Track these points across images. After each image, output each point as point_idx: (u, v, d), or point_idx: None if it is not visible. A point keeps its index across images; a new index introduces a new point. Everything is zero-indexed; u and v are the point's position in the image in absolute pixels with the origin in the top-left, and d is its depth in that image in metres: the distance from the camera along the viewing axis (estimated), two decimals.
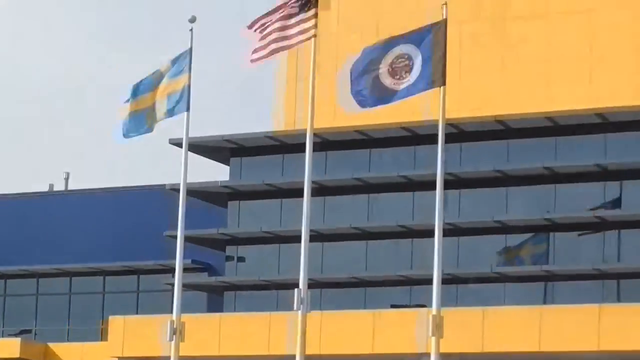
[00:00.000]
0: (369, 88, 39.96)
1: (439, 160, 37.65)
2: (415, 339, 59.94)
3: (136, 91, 45.74)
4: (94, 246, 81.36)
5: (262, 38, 43.02)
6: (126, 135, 46.10)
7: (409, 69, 38.98)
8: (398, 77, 38.96)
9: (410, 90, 38.95)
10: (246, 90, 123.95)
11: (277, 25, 43.05)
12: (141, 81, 45.91)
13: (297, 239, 42.14)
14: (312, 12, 42.05)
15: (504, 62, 70.80)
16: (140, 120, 46.01)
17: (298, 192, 48.37)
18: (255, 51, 43.09)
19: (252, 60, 43.39)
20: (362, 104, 40.05)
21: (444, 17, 38.22)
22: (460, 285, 67.97)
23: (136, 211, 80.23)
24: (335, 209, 72.58)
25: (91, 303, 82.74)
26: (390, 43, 39.72)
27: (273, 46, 43.17)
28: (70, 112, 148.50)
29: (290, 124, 73.28)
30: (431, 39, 39.47)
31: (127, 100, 45.82)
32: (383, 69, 39.40)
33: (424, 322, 41.35)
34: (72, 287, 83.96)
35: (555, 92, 68.98)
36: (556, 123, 68.79)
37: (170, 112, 45.34)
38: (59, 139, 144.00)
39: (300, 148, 45.11)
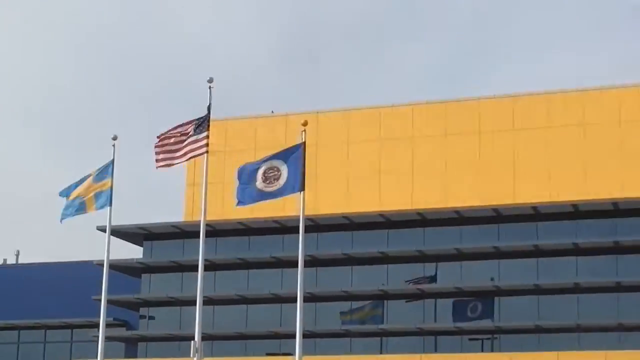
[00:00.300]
0: (248, 191, 44.78)
1: (300, 246, 43.23)
2: None
3: (68, 190, 49.47)
4: (38, 306, 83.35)
5: (164, 151, 46.84)
6: (64, 217, 49.59)
7: (278, 178, 44.15)
8: (269, 182, 44.03)
9: (279, 193, 44.40)
10: (157, 191, 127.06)
11: (175, 142, 46.70)
12: (73, 184, 49.58)
13: (193, 302, 45.91)
14: (204, 134, 45.81)
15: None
16: (74, 208, 49.25)
17: (194, 268, 55.89)
18: (158, 160, 46.98)
19: (157, 167, 47.39)
20: (242, 202, 44.91)
21: (303, 140, 43.84)
22: (317, 338, 72.53)
23: (71, 280, 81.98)
24: (224, 280, 76.48)
25: (34, 351, 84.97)
26: (265, 159, 44.49)
27: (173, 157, 46.80)
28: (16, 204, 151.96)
29: (189, 216, 77.99)
30: (296, 157, 44.60)
31: (63, 195, 49.73)
32: (259, 177, 44.15)
33: None
34: (20, 338, 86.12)
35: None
36: (388, 219, 74.46)
37: (98, 206, 49.21)
38: (10, 224, 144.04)
39: (196, 234, 48.42)
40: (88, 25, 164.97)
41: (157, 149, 47.23)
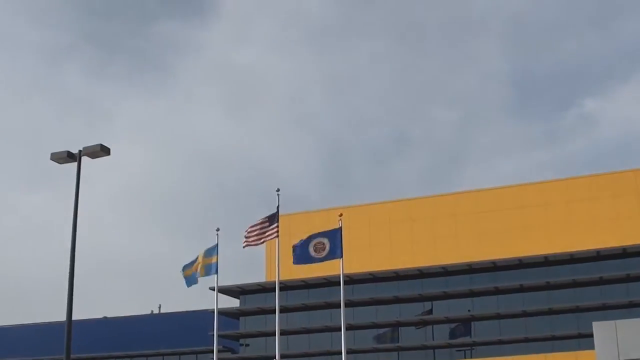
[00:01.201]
0: (302, 256, 44.95)
1: (341, 293, 43.86)
2: None
3: (188, 265, 48.87)
4: (173, 340, 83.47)
5: (249, 236, 46.40)
6: (189, 285, 48.76)
7: (324, 248, 44.73)
8: (317, 252, 44.55)
9: (325, 258, 44.98)
10: (246, 262, 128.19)
11: (257, 230, 46.36)
12: (190, 262, 48.94)
13: (273, 334, 46.56)
14: (275, 224, 46.17)
15: None
16: (194, 277, 48.55)
17: (273, 311, 54.77)
18: (246, 242, 46.55)
19: (244, 246, 46.85)
20: (298, 262, 44.86)
21: (340, 225, 44.46)
22: (356, 353, 71.64)
23: (194, 322, 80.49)
24: (293, 318, 75.95)
25: None
26: (314, 235, 44.89)
27: (256, 240, 46.37)
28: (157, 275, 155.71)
29: (268, 277, 77.76)
30: (336, 235, 45.38)
31: (185, 269, 49.13)
32: (310, 248, 44.73)
33: None
34: None
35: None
36: (397, 274, 75.15)
37: (207, 274, 48.55)
38: (154, 288, 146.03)
39: (273, 289, 50.54)
40: (202, 151, 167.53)
41: (246, 236, 47.10)
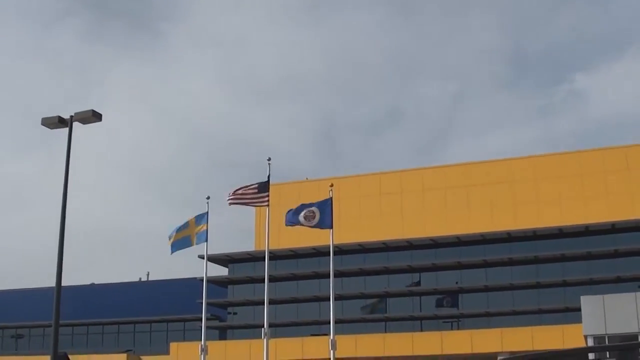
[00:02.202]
0: (295, 220, 44.20)
1: (330, 263, 44.29)
2: None
3: (175, 230, 47.42)
4: (162, 307, 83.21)
5: (236, 197, 45.17)
6: (174, 250, 47.41)
7: (314, 217, 44.56)
8: (307, 220, 44.30)
9: (315, 226, 44.72)
10: (236, 230, 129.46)
11: (243, 193, 45.34)
12: (178, 226, 47.75)
13: (262, 302, 46.05)
14: (266, 193, 45.43)
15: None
16: (183, 243, 47.49)
17: (262, 280, 55.23)
18: (230, 200, 45.28)
19: (229, 204, 45.67)
20: (289, 224, 44.20)
21: (331, 195, 44.49)
22: (344, 323, 68.58)
23: (182, 290, 79.06)
24: (281, 287, 75.35)
25: (159, 334, 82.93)
26: (305, 205, 44.68)
27: (243, 201, 45.44)
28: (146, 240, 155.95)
29: (257, 246, 78.94)
30: (326, 205, 45.21)
31: (171, 235, 47.68)
32: (301, 217, 44.31)
33: None
34: (151, 328, 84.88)
35: None
36: (387, 245, 75.39)
37: (198, 242, 47.54)
38: (142, 254, 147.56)
39: (262, 258, 50.46)
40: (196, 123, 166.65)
41: (231, 195, 46.26)
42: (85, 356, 69.32)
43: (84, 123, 30.01)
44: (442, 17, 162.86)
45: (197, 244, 48.76)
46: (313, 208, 45.47)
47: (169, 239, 48.58)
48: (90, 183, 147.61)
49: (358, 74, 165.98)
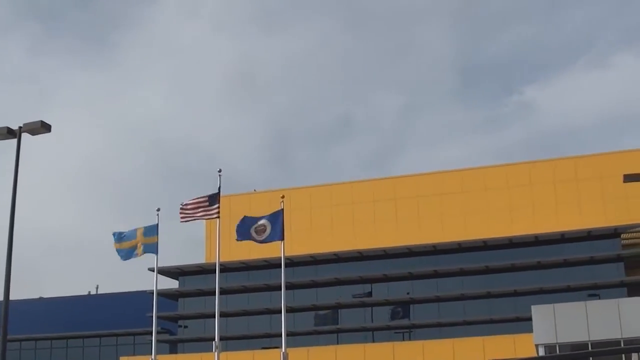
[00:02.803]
0: (246, 234, 44.55)
1: (282, 275, 44.63)
2: None
3: (121, 237, 47.25)
4: (112, 321, 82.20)
5: (187, 213, 45.45)
6: (125, 259, 47.13)
7: (264, 230, 44.72)
8: (258, 234, 44.51)
9: (265, 240, 45.11)
10: (186, 243, 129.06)
11: (194, 206, 45.52)
12: (126, 232, 47.40)
13: (213, 315, 46.16)
14: (216, 205, 45.54)
15: None
16: (130, 252, 46.91)
17: (212, 293, 51.42)
18: (183, 217, 45.43)
19: (181, 221, 45.72)
20: (240, 239, 44.52)
21: (282, 207, 44.54)
22: (296, 336, 69.58)
23: (133, 303, 78.87)
24: (232, 300, 75.40)
25: (108, 350, 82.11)
26: (255, 219, 45.00)
27: (194, 216, 45.42)
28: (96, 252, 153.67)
29: (208, 258, 78.43)
30: (278, 217, 45.34)
31: (115, 237, 47.36)
32: (252, 231, 44.52)
33: None
34: (101, 342, 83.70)
35: None
36: (338, 256, 75.93)
37: (145, 252, 46.98)
38: (92, 267, 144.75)
39: (213, 271, 48.86)
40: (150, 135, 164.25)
41: (182, 211, 46.33)
42: None
43: (33, 134, 29.61)
44: (393, 29, 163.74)
45: (144, 254, 48.20)
46: (263, 221, 45.43)
47: (116, 241, 48.20)
48: (40, 194, 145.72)
49: (310, 84, 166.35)
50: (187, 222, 46.68)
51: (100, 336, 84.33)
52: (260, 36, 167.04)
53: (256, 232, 45.16)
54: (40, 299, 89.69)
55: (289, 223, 55.27)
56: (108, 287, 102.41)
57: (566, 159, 74.86)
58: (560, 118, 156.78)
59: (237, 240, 45.28)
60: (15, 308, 63.79)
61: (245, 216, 45.68)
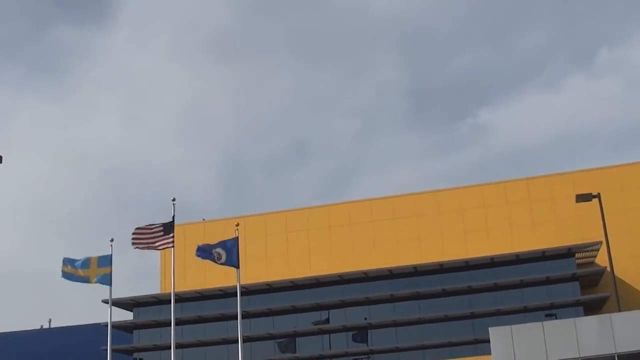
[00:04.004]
0: (205, 254, 44.11)
1: (238, 303, 43.12)
2: None
3: (72, 262, 46.40)
4: (63, 355, 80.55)
5: (140, 240, 45.17)
6: (67, 279, 46.18)
7: (221, 257, 44.52)
8: (217, 259, 44.42)
9: (223, 263, 44.65)
10: (140, 273, 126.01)
11: (148, 234, 45.35)
12: (77, 262, 46.39)
13: (169, 347, 46.88)
14: (170, 235, 45.14)
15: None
16: (80, 279, 45.87)
17: (168, 324, 50.04)
18: (136, 244, 44.97)
19: (134, 247, 45.01)
20: (200, 256, 43.99)
21: (237, 235, 44.61)
22: None
23: (85, 335, 78.50)
24: (188, 331, 74.08)
25: None
26: (211, 246, 44.56)
27: (147, 244, 45.04)
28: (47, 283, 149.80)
29: (163, 289, 77.77)
30: (233, 245, 45.32)
31: (66, 265, 46.47)
32: (210, 255, 44.53)
33: None
34: None
35: None
36: (295, 284, 74.42)
37: (101, 282, 46.24)
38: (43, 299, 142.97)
39: (168, 301, 47.27)
40: (98, 161, 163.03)
41: (135, 237, 45.85)
42: None
43: None
44: (346, 55, 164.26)
45: (96, 283, 47.36)
46: (218, 249, 45.26)
47: (63, 266, 47.23)
48: None
49: (263, 111, 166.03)
50: (141, 250, 46.29)
51: None
52: (212, 65, 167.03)
53: (213, 257, 45.03)
54: None
55: (244, 251, 55.41)
56: (62, 319, 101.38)
57: (519, 180, 75.26)
58: (513, 139, 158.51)
59: (196, 256, 44.66)
60: None
61: (199, 245, 44.94)
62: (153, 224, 45.94)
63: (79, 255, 48.25)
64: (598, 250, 68.84)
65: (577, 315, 61.10)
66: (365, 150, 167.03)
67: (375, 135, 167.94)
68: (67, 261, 47.08)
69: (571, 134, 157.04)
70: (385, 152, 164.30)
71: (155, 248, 46.37)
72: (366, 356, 73.15)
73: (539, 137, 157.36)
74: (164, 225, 45.96)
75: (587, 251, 70.51)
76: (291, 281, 75.01)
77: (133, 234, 45.69)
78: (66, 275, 46.90)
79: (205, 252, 44.87)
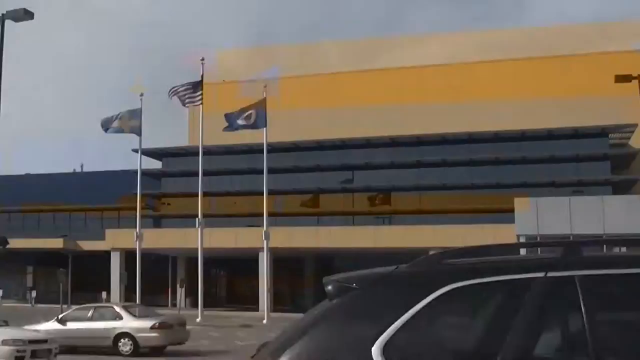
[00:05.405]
0: (233, 124, 49.65)
1: (264, 160, 44.75)
2: None
3: (108, 121, 52.05)
4: (97, 196, 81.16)
5: (178, 95, 49.90)
6: (108, 132, 52.52)
7: (250, 117, 49.54)
8: (247, 120, 49.28)
9: (251, 127, 49.95)
10: (169, 125, 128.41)
11: (180, 91, 49.89)
12: (111, 116, 52.27)
13: (196, 195, 48.97)
14: (199, 92, 49.71)
15: None
16: (116, 130, 52.35)
17: (196, 174, 52.50)
18: (175, 93, 49.85)
19: (171, 96, 50.14)
20: (229, 129, 49.88)
21: (264, 96, 48.11)
22: (278, 217, 66.12)
23: (118, 181, 75.71)
24: (216, 182, 73.49)
25: (96, 220, 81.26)
26: (243, 109, 49.68)
27: (181, 98, 49.81)
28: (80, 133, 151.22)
29: (191, 141, 78.39)
30: (260, 106, 50.06)
31: (104, 124, 52.34)
32: (240, 118, 49.54)
33: None
34: (86, 216, 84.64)
35: None
36: (321, 144, 75.74)
37: (132, 131, 52.67)
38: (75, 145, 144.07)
39: (196, 153, 51.23)
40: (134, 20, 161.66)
41: (172, 94, 50.15)
42: (23, 240, 67.22)
43: (16, 21, 30.41)
44: None
45: (130, 132, 52.72)
46: (251, 111, 49.55)
47: (102, 125, 52.37)
48: (26, 84, 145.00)
49: None
50: (170, 104, 51.36)
51: (86, 210, 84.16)
52: None
53: (244, 120, 49.45)
54: (27, 175, 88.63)
55: (272, 111, 54.83)
56: (92, 166, 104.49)
57: (556, 57, 74.13)
58: (553, 16, 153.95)
59: (224, 130, 49.49)
60: (1, 182, 65.36)
61: (226, 114, 49.77)
62: (182, 84, 49.75)
63: (109, 113, 53.57)
64: (633, 132, 68.24)
65: (606, 194, 59.91)
66: (400, 20, 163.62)
67: (412, 6, 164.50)
68: (105, 120, 52.30)
69: (614, 16, 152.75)
70: (421, 22, 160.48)
71: (185, 104, 50.58)
72: (388, 216, 73.32)
73: (580, 15, 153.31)
74: (192, 83, 49.61)
75: (622, 132, 69.80)
76: (317, 142, 75.19)
77: (171, 91, 49.76)
78: (105, 126, 52.13)
79: (232, 123, 49.36)
